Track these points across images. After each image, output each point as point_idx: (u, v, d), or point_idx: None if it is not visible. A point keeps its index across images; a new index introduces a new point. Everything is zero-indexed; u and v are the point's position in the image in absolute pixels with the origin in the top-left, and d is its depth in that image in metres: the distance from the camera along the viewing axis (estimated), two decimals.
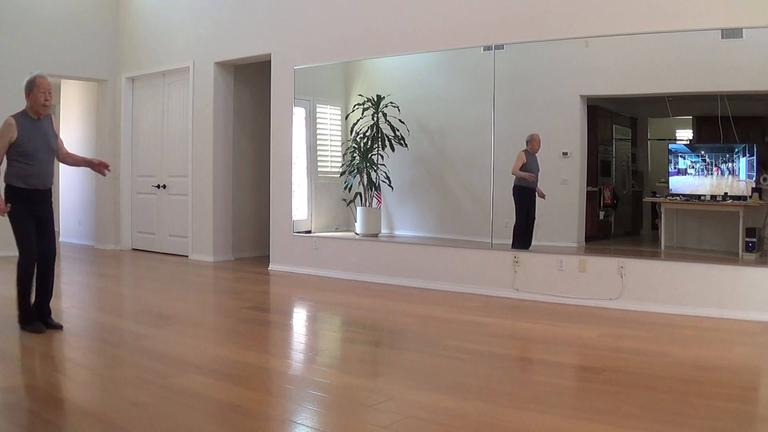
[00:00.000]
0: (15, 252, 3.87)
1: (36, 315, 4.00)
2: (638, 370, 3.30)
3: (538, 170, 5.70)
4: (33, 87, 3.85)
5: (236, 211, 7.85)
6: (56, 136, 4.04)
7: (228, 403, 2.81)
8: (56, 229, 10.30)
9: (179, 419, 2.61)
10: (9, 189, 3.85)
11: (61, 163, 4.29)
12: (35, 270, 3.93)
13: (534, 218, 5.69)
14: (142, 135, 8.57)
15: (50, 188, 4.01)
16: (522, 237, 5.64)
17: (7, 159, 3.85)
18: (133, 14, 8.54)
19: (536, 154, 5.68)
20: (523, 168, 5.64)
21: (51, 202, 4.05)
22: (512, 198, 5.69)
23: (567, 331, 4.23)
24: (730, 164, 5.28)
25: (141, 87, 8.60)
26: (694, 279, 4.63)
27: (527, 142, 5.66)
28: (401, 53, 6.16)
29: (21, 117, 3.87)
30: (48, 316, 4.04)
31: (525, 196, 5.68)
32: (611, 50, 5.29)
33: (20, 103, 3.98)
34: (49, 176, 3.98)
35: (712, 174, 5.37)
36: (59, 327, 4.03)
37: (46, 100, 3.87)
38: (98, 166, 4.14)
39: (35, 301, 4.00)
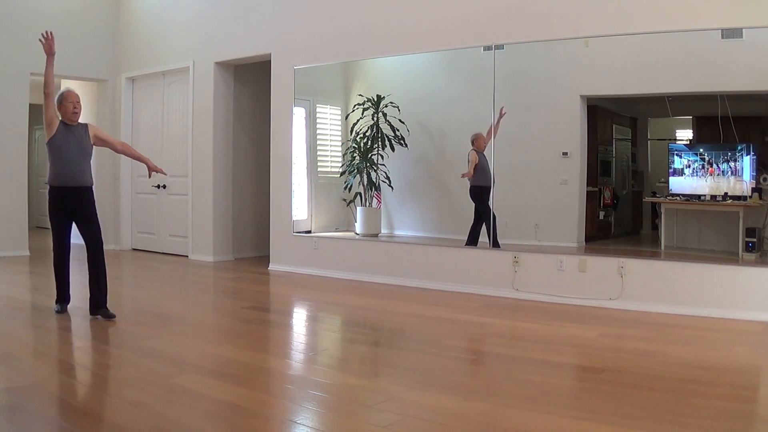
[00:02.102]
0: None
1: (91, 305, 4.41)
2: (638, 370, 3.30)
3: (488, 167, 5.74)
4: (62, 100, 4.38)
5: (236, 211, 7.85)
6: (90, 141, 4.45)
7: (228, 403, 2.81)
8: None
9: (179, 419, 2.61)
10: (51, 189, 4.35)
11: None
12: (86, 262, 4.42)
13: (494, 217, 5.71)
14: (142, 135, 8.57)
15: (88, 186, 4.40)
16: (475, 236, 5.71)
17: (49, 160, 4.34)
18: (133, 14, 8.55)
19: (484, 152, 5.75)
20: (477, 167, 5.73)
21: (90, 198, 4.43)
22: (476, 196, 5.77)
23: (567, 331, 4.23)
24: (730, 164, 5.28)
25: (141, 87, 8.60)
26: (694, 279, 4.63)
27: (475, 141, 5.74)
28: (401, 53, 6.16)
29: (61, 122, 4.37)
30: (103, 306, 4.41)
31: (485, 195, 5.70)
32: (611, 50, 5.29)
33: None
34: (81, 174, 4.35)
35: (712, 174, 5.37)
36: (111, 317, 4.36)
37: (75, 109, 4.39)
38: (153, 170, 4.67)
39: (91, 291, 4.42)
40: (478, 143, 5.72)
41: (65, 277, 4.50)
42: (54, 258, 4.46)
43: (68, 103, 4.35)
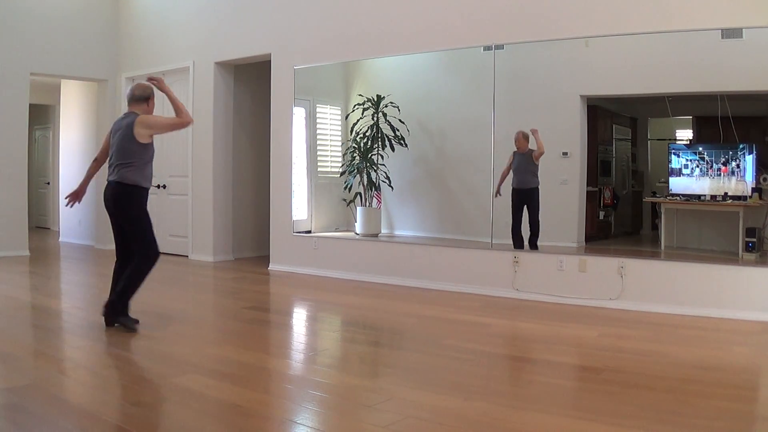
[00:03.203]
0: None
1: (108, 305, 4.11)
2: (638, 370, 3.30)
3: (524, 169, 5.66)
4: (152, 97, 4.17)
5: (236, 211, 7.85)
6: None
7: (228, 403, 2.82)
8: (58, 229, 10.33)
9: (179, 419, 2.61)
10: (141, 190, 4.02)
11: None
12: (123, 267, 4.11)
13: (536, 220, 5.65)
14: None
15: None
16: (518, 238, 5.65)
17: (137, 161, 3.99)
18: (133, 14, 8.55)
19: (524, 153, 5.65)
20: (510, 167, 5.66)
21: None
22: (510, 198, 5.72)
23: (567, 331, 4.23)
24: (730, 164, 5.28)
25: None
26: (694, 279, 4.64)
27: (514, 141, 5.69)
28: (401, 53, 6.16)
29: None
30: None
31: (514, 197, 5.68)
32: (611, 50, 5.29)
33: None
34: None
35: (712, 174, 5.36)
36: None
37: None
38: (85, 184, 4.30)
39: (112, 293, 4.11)
40: (517, 143, 5.64)
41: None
42: (153, 260, 4.08)
43: (153, 102, 4.20)
